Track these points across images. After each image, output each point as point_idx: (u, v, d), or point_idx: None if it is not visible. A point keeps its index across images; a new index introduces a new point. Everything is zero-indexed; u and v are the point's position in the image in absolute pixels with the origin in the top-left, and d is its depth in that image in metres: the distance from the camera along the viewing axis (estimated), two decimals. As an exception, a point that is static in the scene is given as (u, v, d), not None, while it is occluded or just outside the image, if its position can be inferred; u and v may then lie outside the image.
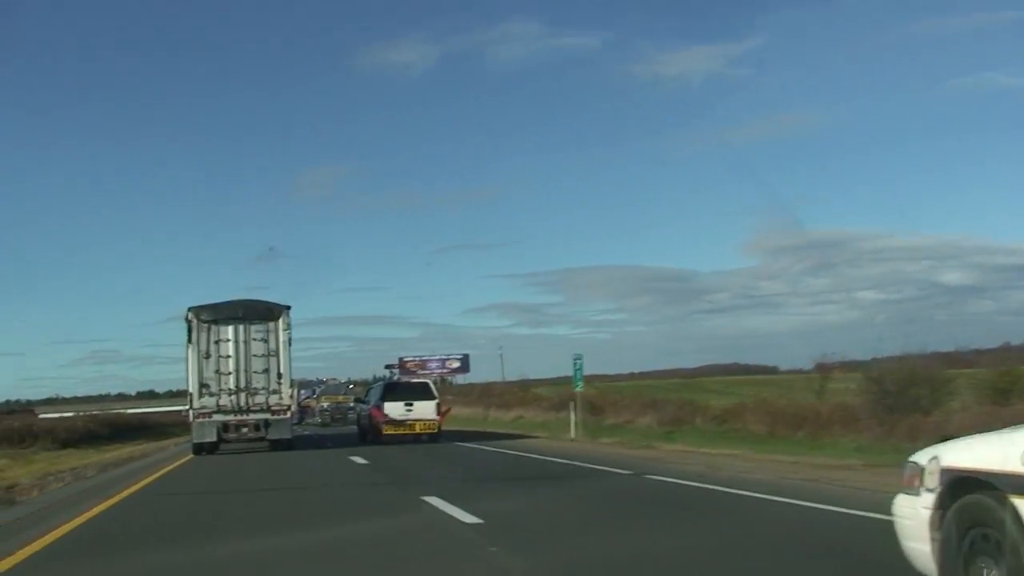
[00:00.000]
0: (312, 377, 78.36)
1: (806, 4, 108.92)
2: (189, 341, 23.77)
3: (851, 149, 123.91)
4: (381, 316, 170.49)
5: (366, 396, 30.18)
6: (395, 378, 29.22)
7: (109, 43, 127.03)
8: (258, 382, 23.93)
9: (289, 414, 24.97)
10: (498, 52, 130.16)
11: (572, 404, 29.63)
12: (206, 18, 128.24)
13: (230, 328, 23.96)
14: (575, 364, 29.03)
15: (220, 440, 24.11)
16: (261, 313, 24.32)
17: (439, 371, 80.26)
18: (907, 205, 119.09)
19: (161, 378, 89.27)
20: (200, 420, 23.74)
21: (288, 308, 24.52)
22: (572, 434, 28.24)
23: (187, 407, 24.26)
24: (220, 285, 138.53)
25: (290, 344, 24.36)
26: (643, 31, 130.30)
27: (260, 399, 23.91)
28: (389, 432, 25.63)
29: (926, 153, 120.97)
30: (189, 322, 23.84)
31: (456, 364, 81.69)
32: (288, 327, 24.28)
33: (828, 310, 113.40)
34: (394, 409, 26.04)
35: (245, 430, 24.01)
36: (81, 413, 63.63)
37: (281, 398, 24.12)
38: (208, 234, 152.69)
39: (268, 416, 24.01)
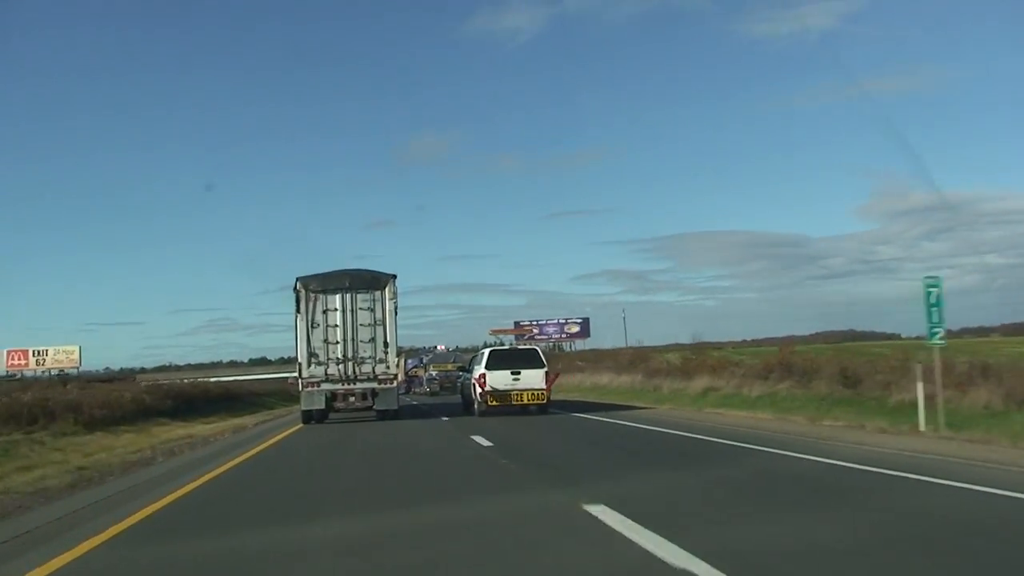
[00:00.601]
0: (421, 345, 78.45)
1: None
2: (298, 311, 23.91)
3: (972, 107, 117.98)
4: (489, 284, 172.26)
5: (470, 365, 28.25)
6: (500, 344, 27.11)
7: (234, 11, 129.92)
8: (365, 351, 23.93)
9: (396, 383, 24.91)
10: (607, 13, 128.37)
11: (918, 370, 16.66)
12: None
13: (337, 297, 23.99)
14: (929, 297, 15.80)
15: (329, 409, 24.26)
16: (367, 282, 24.27)
17: (557, 336, 77.53)
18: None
19: (275, 346, 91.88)
20: (309, 389, 23.90)
21: (394, 277, 24.40)
22: (921, 424, 15.69)
23: (295, 375, 24.50)
24: (331, 254, 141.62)
25: (396, 313, 24.29)
26: None
27: (367, 368, 23.91)
28: (494, 404, 24.17)
29: None
30: (297, 292, 23.96)
31: (575, 328, 78.27)
32: (394, 296, 24.19)
33: (947, 275, 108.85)
34: (499, 378, 24.35)
35: (352, 399, 24.07)
36: (165, 381, 59.87)
37: (388, 367, 24.08)
38: (319, 203, 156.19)
39: (375, 385, 24.01)
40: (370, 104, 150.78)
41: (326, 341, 23.86)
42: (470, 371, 27.61)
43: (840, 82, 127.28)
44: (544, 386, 24.40)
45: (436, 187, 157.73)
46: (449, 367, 60.68)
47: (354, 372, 23.88)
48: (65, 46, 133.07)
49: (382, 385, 24.07)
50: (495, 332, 29.10)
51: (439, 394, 54.26)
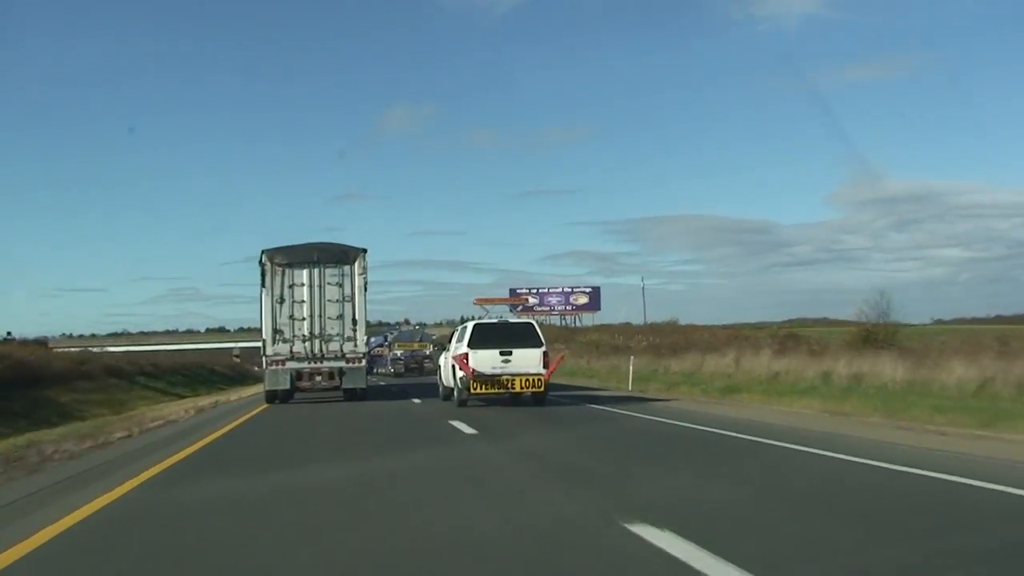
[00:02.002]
0: (386, 321, 75.54)
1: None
2: (263, 285, 22.81)
3: (948, 97, 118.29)
4: (456, 261, 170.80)
5: (449, 341, 22.89)
6: (486, 318, 21.79)
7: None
8: (333, 328, 22.93)
9: (364, 362, 23.92)
10: None
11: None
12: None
13: (304, 272, 22.94)
14: None
15: (294, 388, 23.25)
16: (336, 256, 23.23)
17: (561, 308, 62.73)
18: (1002, 158, 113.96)
19: (238, 317, 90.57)
20: (274, 368, 22.84)
21: (364, 251, 23.38)
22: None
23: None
24: (298, 226, 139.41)
25: (366, 289, 23.30)
26: None
27: (335, 346, 22.92)
28: (479, 391, 19.19)
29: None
30: (263, 265, 22.85)
31: (583, 299, 63.15)
32: (364, 271, 23.18)
33: (911, 267, 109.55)
34: (485, 359, 19.24)
35: (319, 379, 23.08)
36: (96, 349, 58.53)
37: (356, 345, 23.11)
38: (288, 174, 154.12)
39: (343, 364, 23.03)
40: (342, 76, 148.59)
41: (292, 317, 22.80)
42: (448, 349, 22.44)
43: (814, 69, 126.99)
44: (541, 370, 19.41)
45: (407, 162, 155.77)
46: (415, 346, 58.69)
47: (321, 350, 22.87)
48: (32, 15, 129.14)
49: (350, 364, 23.09)
50: (481, 301, 22.71)
51: (404, 375, 52.06)
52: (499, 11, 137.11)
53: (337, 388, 23.38)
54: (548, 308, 53.41)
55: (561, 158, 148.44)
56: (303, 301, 22.84)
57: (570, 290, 63.00)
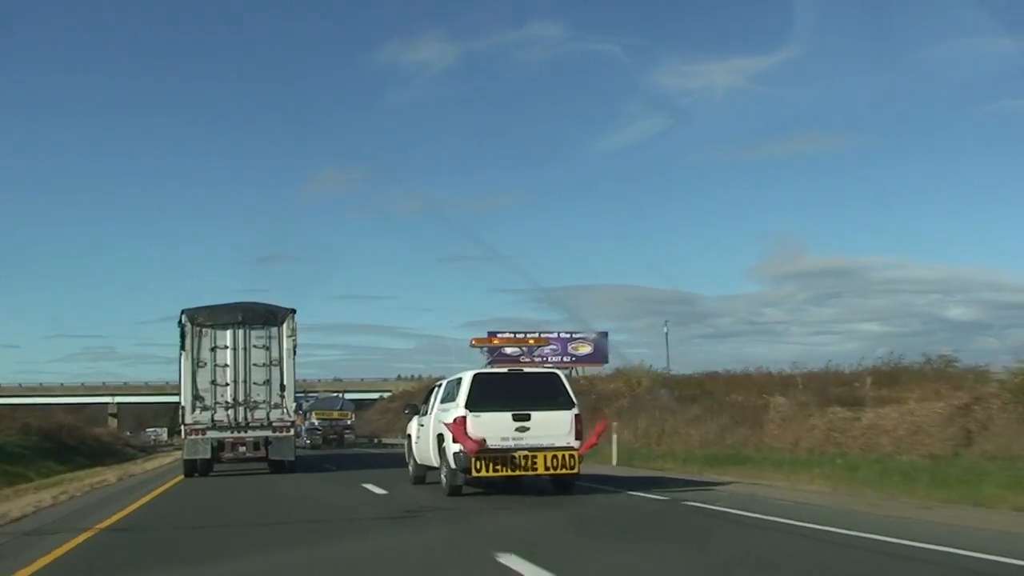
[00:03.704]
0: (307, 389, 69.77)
1: (830, 22, 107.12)
2: (183, 347, 21.17)
3: (867, 174, 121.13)
4: (378, 325, 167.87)
5: (428, 401, 16.87)
6: (490, 363, 15.96)
7: (110, 22, 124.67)
8: (258, 395, 21.36)
9: (293, 431, 22.33)
10: (518, 54, 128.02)
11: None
12: (213, 11, 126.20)
13: (228, 333, 21.37)
14: None
15: (214, 459, 21.54)
16: (263, 317, 21.75)
17: (557, 360, 45.83)
18: (921, 234, 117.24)
19: (153, 378, 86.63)
20: (193, 437, 21.11)
21: (293, 312, 21.97)
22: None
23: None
24: (219, 286, 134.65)
25: (295, 352, 21.85)
26: (667, 40, 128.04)
27: (260, 414, 21.34)
28: (484, 473, 13.60)
29: (944, 180, 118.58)
30: (183, 326, 21.23)
31: (586, 349, 49.22)
32: (293, 333, 21.75)
33: (829, 340, 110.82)
34: (492, 426, 13.78)
35: (243, 449, 21.42)
36: None
37: (284, 413, 21.56)
38: (210, 234, 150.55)
39: (269, 433, 21.45)
40: (268, 133, 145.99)
41: (214, 383, 21.17)
42: (428, 412, 16.42)
43: (742, 141, 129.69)
44: (573, 442, 14.02)
45: (333, 224, 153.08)
46: (335, 415, 54.50)
47: (246, 418, 21.26)
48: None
49: (277, 433, 21.53)
50: (479, 343, 16.75)
51: (320, 447, 46.86)
52: (430, 73, 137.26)
53: (263, 459, 21.74)
54: (541, 360, 35.54)
55: (489, 224, 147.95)
56: (226, 365, 21.25)
57: (568, 336, 48.72)
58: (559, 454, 13.74)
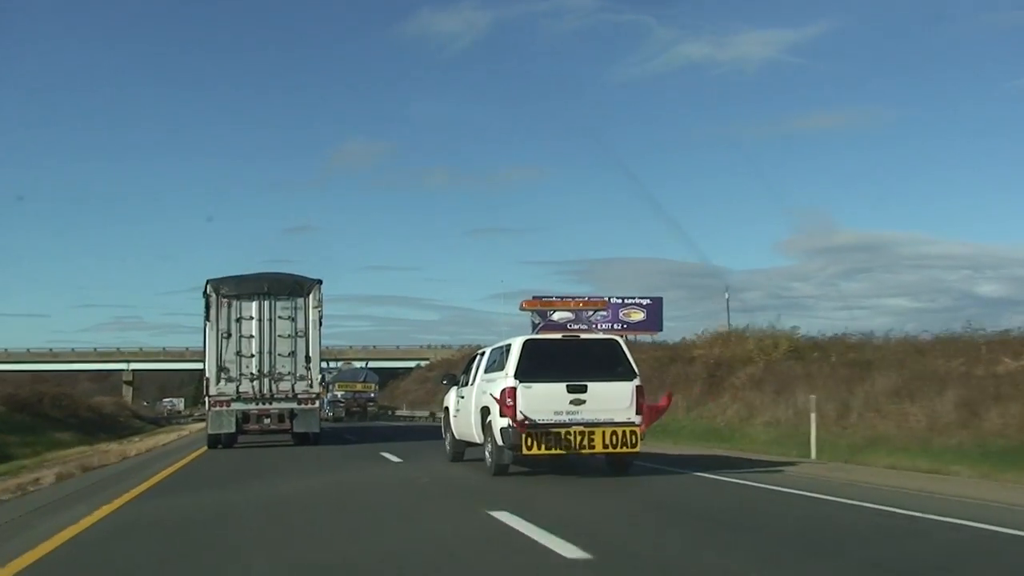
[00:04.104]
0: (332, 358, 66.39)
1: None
2: (207, 318, 20.88)
3: (897, 149, 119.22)
4: (407, 297, 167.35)
5: (470, 371, 15.16)
6: (539, 330, 13.88)
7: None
8: (283, 366, 21.07)
9: (318, 403, 22.04)
10: (549, 24, 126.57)
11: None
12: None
13: (254, 304, 21.05)
14: None
15: (239, 431, 21.26)
16: (289, 288, 21.41)
17: (607, 327, 39.87)
18: (952, 210, 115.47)
19: (181, 347, 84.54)
20: (218, 409, 20.85)
21: (319, 283, 21.62)
22: None
23: (203, 394, 21.45)
24: (247, 257, 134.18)
25: (321, 324, 21.54)
26: (700, 11, 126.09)
27: (286, 386, 21.07)
28: (535, 451, 12.21)
29: (975, 155, 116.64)
30: (208, 296, 20.93)
31: (638, 316, 44.07)
32: (319, 304, 21.42)
33: (858, 315, 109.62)
34: (544, 399, 12.41)
35: (268, 421, 21.16)
36: None
37: (309, 385, 21.30)
38: (237, 204, 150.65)
39: (294, 405, 21.19)
40: (298, 107, 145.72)
41: (239, 354, 20.88)
42: (469, 382, 14.80)
43: (772, 114, 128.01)
44: (633, 417, 12.50)
45: (362, 195, 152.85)
46: (358, 387, 52.61)
47: (270, 390, 20.99)
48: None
49: (302, 405, 21.27)
50: (529, 306, 15.05)
51: (343, 420, 45.92)
52: (457, 47, 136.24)
53: (287, 431, 21.46)
54: (593, 328, 23.14)
55: (516, 197, 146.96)
56: (251, 336, 20.95)
57: (620, 301, 43.51)
58: (619, 430, 12.27)
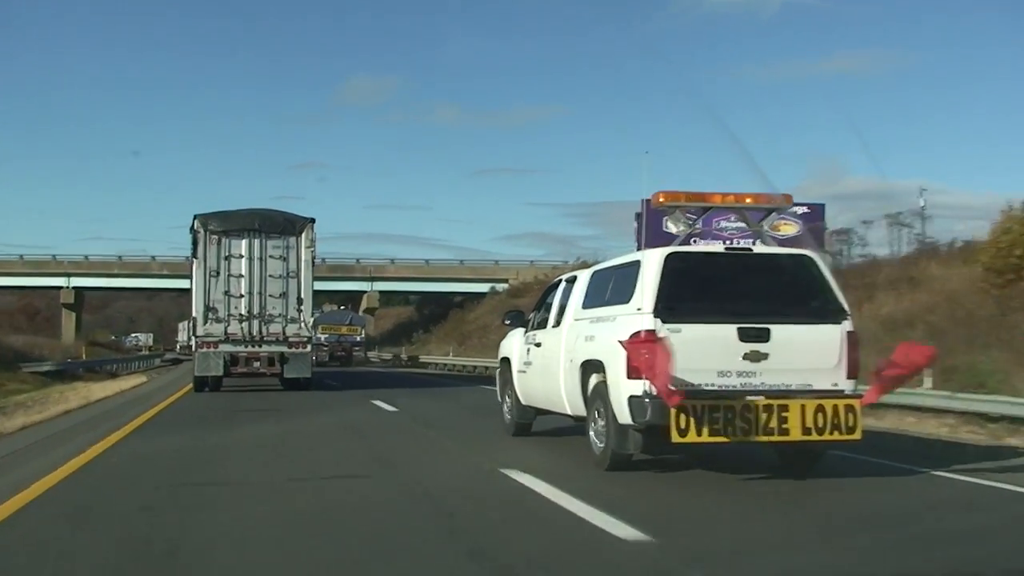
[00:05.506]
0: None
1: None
2: (194, 255, 20.02)
3: (911, 95, 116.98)
4: (413, 236, 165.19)
5: (551, 302, 10.23)
6: (692, 235, 9.27)
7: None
8: (274, 308, 20.23)
9: (310, 347, 21.18)
10: None
11: None
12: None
13: (243, 242, 20.12)
14: None
15: (226, 374, 20.41)
16: (280, 226, 20.46)
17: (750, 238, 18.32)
18: (966, 159, 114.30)
19: (145, 256, 78.47)
20: (205, 350, 20.00)
21: (312, 221, 20.65)
22: None
23: (188, 335, 20.56)
24: (252, 192, 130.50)
25: (314, 264, 20.67)
26: None
27: (276, 328, 20.24)
28: (690, 438, 7.26)
29: (991, 104, 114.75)
30: (195, 232, 19.98)
31: (792, 229, 23.38)
32: (312, 244, 20.51)
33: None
34: (704, 351, 7.59)
35: (257, 364, 20.35)
36: None
37: (301, 328, 20.44)
38: (243, 139, 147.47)
39: (285, 349, 20.37)
40: (303, 42, 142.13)
41: (227, 294, 20.00)
42: (549, 322, 10.08)
43: (788, 59, 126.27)
44: (844, 382, 7.86)
45: (368, 132, 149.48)
46: (343, 330, 50.70)
47: (260, 332, 20.15)
48: None
49: (293, 349, 20.43)
50: (667, 199, 8.41)
51: (327, 364, 43.37)
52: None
53: (277, 375, 20.63)
54: (728, 238, 20.04)
55: (524, 137, 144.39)
56: (241, 276, 20.06)
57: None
58: (827, 404, 7.46)
